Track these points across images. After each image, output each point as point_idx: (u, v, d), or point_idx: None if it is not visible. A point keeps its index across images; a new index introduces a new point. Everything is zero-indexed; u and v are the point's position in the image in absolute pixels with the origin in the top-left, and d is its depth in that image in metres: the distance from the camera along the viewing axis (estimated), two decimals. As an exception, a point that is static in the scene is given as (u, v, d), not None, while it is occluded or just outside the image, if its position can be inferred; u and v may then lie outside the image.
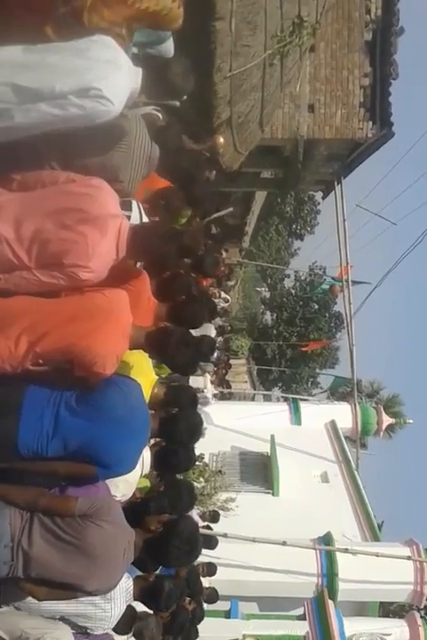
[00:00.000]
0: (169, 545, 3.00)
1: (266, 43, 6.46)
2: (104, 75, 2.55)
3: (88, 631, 3.08)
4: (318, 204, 31.61)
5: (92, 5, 2.69)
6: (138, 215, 3.30)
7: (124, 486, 3.21)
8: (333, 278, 15.46)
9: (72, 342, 2.53)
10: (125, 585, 3.09)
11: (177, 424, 3.31)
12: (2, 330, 2.51)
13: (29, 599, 2.83)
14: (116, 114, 2.60)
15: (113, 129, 2.81)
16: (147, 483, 3.86)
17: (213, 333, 10.49)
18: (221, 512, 8.56)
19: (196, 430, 3.44)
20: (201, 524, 6.70)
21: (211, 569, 6.36)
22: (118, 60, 2.63)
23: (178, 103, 3.81)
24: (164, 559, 3.04)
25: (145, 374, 3.23)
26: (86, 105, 2.49)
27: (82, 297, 2.76)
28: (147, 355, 3.24)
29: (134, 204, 3.29)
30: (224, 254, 12.09)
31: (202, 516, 7.53)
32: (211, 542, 6.48)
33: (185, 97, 3.38)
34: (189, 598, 4.68)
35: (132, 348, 2.86)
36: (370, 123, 9.11)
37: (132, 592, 3.15)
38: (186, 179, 3.45)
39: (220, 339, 11.58)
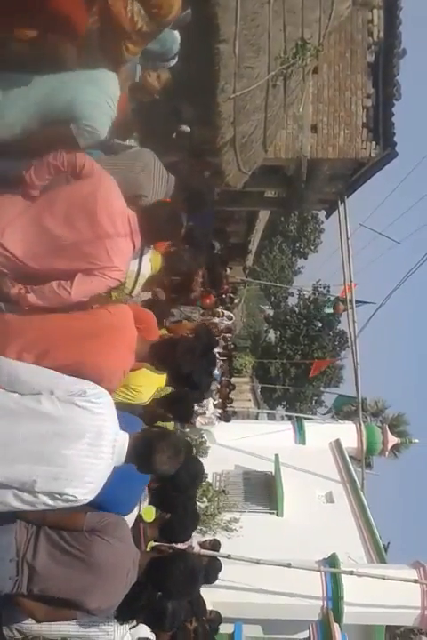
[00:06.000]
0: (173, 567, 2.97)
1: (269, 64, 6.52)
2: None
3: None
4: (322, 222, 31.80)
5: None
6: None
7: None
8: (337, 297, 15.46)
9: (79, 360, 2.54)
10: None
11: (178, 471, 3.28)
12: (2, 349, 2.50)
13: (30, 621, 2.80)
14: None
15: (135, 153, 3.16)
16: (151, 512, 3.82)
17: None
18: (224, 533, 8.46)
19: (197, 478, 3.53)
20: (201, 552, 6.53)
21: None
22: None
23: (189, 128, 3.99)
24: (163, 582, 3.00)
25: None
26: None
27: (87, 314, 2.78)
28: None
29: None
30: (228, 272, 12.13)
31: (202, 545, 7.35)
32: (215, 572, 6.24)
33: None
34: (191, 617, 4.60)
35: (138, 360, 2.88)
36: (373, 143, 9.16)
37: None
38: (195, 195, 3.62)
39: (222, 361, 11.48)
